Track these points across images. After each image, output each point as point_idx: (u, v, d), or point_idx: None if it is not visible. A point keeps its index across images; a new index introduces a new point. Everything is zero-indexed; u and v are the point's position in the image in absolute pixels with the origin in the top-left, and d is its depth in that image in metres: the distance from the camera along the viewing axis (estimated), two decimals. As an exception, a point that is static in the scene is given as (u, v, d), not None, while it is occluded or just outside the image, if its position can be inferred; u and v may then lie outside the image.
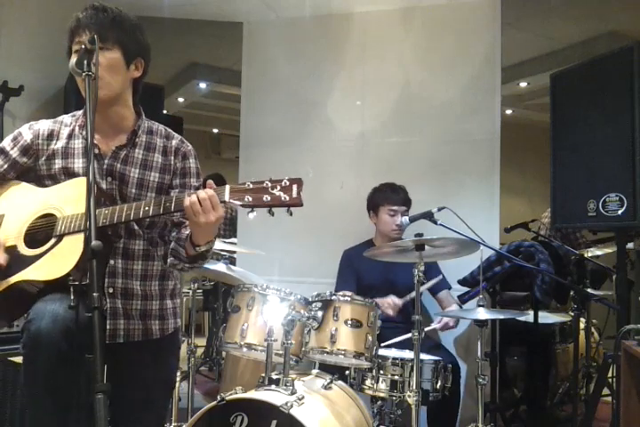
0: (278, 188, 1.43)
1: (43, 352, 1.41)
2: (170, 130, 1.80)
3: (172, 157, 1.73)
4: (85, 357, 1.16)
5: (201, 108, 6.74)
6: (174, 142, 1.75)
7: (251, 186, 1.44)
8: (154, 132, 1.75)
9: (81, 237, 1.49)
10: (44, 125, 1.70)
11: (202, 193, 1.46)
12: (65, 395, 1.44)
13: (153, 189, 1.68)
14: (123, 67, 1.63)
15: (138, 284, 1.66)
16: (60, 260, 1.51)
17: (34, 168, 1.68)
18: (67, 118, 1.74)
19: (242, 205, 1.44)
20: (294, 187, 1.43)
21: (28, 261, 1.56)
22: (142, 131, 1.72)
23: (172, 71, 5.56)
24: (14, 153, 1.68)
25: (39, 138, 1.68)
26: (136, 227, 1.65)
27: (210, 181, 1.51)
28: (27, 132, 1.69)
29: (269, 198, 1.42)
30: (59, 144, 1.67)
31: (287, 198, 1.42)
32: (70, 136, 1.68)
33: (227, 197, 1.45)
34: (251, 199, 1.43)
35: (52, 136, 1.69)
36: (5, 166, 1.69)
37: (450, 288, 3.01)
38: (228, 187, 1.46)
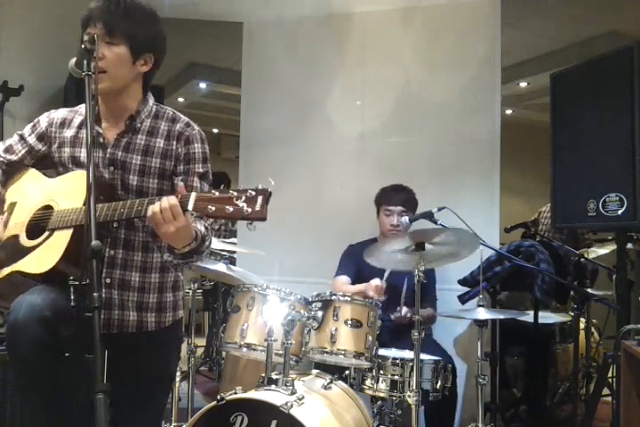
0: (243, 198, 1.33)
1: (22, 341, 1.41)
2: (178, 113, 1.75)
3: (175, 142, 1.68)
4: (67, 344, 1.15)
5: (201, 108, 6.75)
6: (178, 126, 1.70)
7: (216, 194, 1.35)
8: (160, 116, 1.72)
9: (67, 232, 1.52)
10: (60, 114, 1.75)
11: (164, 202, 1.40)
12: (49, 384, 1.44)
13: (155, 175, 1.66)
14: (128, 62, 1.62)
15: (137, 275, 1.65)
16: (46, 254, 1.53)
17: (49, 155, 1.72)
18: (83, 108, 1.72)
19: (206, 215, 1.37)
20: (259, 199, 1.33)
21: (24, 252, 1.58)
22: (146, 115, 1.70)
23: (172, 71, 5.56)
24: (31, 139, 1.73)
25: (53, 126, 1.71)
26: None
27: (181, 185, 1.46)
28: (44, 119, 1.74)
29: (231, 210, 1.32)
30: (69, 133, 1.70)
31: (249, 211, 1.32)
32: (81, 125, 1.70)
33: (190, 206, 1.36)
34: (213, 209, 1.33)
35: (64, 124, 1.72)
36: (23, 152, 1.73)
37: (435, 300, 3.00)
38: (194, 195, 1.37)
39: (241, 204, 1.33)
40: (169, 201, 1.39)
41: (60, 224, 1.55)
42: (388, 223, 2.95)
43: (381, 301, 2.66)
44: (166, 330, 1.71)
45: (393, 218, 2.93)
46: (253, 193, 1.33)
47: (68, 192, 1.58)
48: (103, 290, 1.60)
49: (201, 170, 1.69)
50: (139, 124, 1.68)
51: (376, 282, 2.66)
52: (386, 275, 2.67)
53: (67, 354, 1.28)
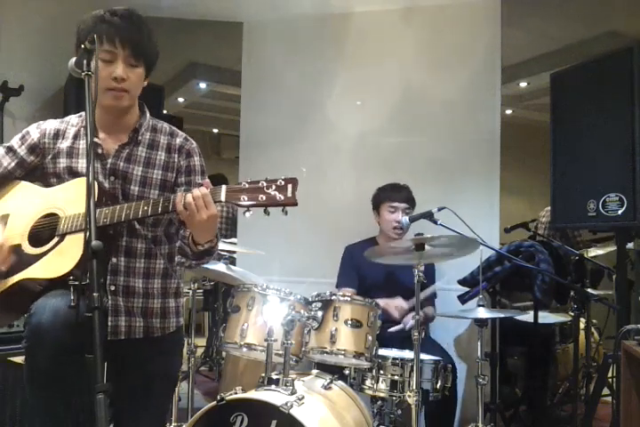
0: (273, 187, 1.43)
1: (44, 345, 1.42)
2: (174, 128, 1.80)
3: (176, 155, 1.73)
4: (87, 354, 1.17)
5: (201, 108, 6.73)
6: (178, 140, 1.75)
7: (246, 186, 1.44)
8: (158, 129, 1.76)
9: (82, 235, 1.50)
10: (51, 125, 1.73)
11: (196, 191, 1.47)
12: (67, 390, 1.45)
13: (156, 186, 1.69)
14: (143, 80, 1.67)
15: (140, 282, 1.67)
16: (62, 258, 1.53)
17: (40, 166, 1.71)
18: (74, 118, 1.75)
19: (238, 205, 1.45)
20: (289, 186, 1.43)
21: (31, 260, 1.57)
22: (146, 129, 1.73)
23: (172, 71, 5.55)
24: (22, 151, 1.70)
25: (46, 137, 1.70)
26: (138, 226, 1.66)
27: (206, 181, 1.52)
28: (34, 131, 1.72)
29: (264, 198, 1.43)
30: (64, 144, 1.69)
31: (282, 198, 1.42)
32: (76, 136, 1.70)
33: (223, 198, 1.46)
34: (246, 199, 1.43)
35: (58, 135, 1.71)
36: (13, 164, 1.71)
37: (435, 297, 3.03)
38: (224, 187, 1.46)
39: (272, 192, 1.43)
40: (200, 191, 1.47)
41: (72, 228, 1.55)
42: (393, 220, 2.93)
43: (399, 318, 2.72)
44: (171, 335, 1.73)
45: (398, 214, 2.92)
46: (283, 182, 1.44)
47: (74, 198, 1.57)
48: (109, 297, 1.61)
49: (201, 181, 1.72)
50: (140, 137, 1.71)
51: (399, 302, 2.73)
52: (413, 301, 2.66)
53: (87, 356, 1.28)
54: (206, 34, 4.21)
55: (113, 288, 1.62)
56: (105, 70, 1.56)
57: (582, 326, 3.33)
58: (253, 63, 3.70)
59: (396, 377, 2.27)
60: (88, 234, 1.26)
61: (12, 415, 2.18)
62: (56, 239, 1.57)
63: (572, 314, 3.02)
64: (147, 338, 1.67)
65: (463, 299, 2.88)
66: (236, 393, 1.88)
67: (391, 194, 2.98)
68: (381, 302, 2.70)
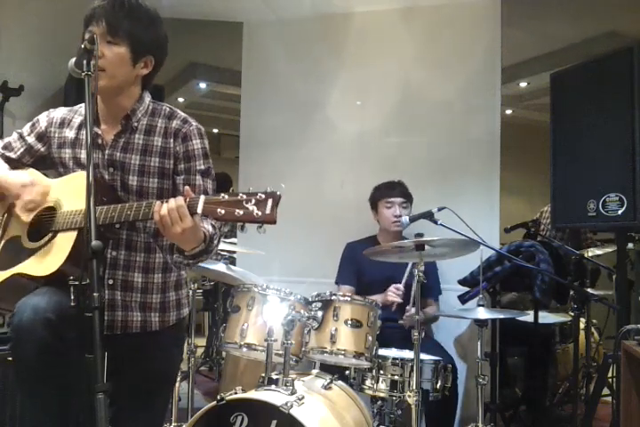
0: (252, 201, 1.31)
1: (26, 344, 1.42)
2: (176, 110, 1.72)
3: (172, 140, 1.64)
4: (71, 347, 1.16)
5: (201, 108, 6.74)
6: (174, 123, 1.66)
7: (226, 198, 1.33)
8: (156, 113, 1.69)
9: (72, 235, 1.51)
10: (59, 113, 1.74)
11: (171, 203, 1.39)
12: (51, 386, 1.44)
13: (155, 174, 1.64)
14: (128, 62, 1.60)
15: (139, 276, 1.65)
16: (49, 257, 1.52)
17: (48, 156, 1.71)
18: (83, 107, 1.69)
19: (215, 219, 1.38)
20: (269, 202, 1.31)
21: (26, 254, 1.57)
22: (143, 114, 1.67)
23: (172, 71, 5.55)
24: (30, 139, 1.72)
25: (52, 126, 1.71)
26: None
27: (187, 188, 1.41)
28: (44, 119, 1.73)
29: (241, 213, 1.31)
30: (69, 133, 1.69)
31: (259, 214, 1.30)
32: (81, 126, 1.69)
33: (200, 210, 1.35)
34: (223, 213, 1.32)
35: (63, 124, 1.71)
36: (22, 150, 1.72)
37: (440, 294, 3.03)
38: (202, 198, 1.35)
39: (251, 207, 1.31)
40: (176, 202, 1.38)
41: (63, 226, 1.54)
42: (391, 215, 2.97)
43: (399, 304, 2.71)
44: (170, 329, 1.70)
45: (395, 209, 2.96)
46: (263, 196, 1.31)
47: (71, 194, 1.57)
48: (106, 291, 1.60)
49: (202, 167, 1.66)
50: (135, 124, 1.66)
51: (393, 289, 2.73)
52: (405, 278, 2.68)
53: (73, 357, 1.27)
54: (206, 34, 4.21)
55: (111, 282, 1.61)
56: None
57: (582, 326, 3.33)
58: (253, 63, 3.70)
59: (396, 377, 2.27)
60: (88, 234, 1.26)
61: (12, 415, 2.18)
62: (49, 236, 1.57)
63: (572, 314, 3.02)
64: (144, 333, 1.64)
65: (463, 299, 2.88)
66: (235, 393, 1.88)
67: (386, 191, 3.03)
68: (377, 297, 2.72)
